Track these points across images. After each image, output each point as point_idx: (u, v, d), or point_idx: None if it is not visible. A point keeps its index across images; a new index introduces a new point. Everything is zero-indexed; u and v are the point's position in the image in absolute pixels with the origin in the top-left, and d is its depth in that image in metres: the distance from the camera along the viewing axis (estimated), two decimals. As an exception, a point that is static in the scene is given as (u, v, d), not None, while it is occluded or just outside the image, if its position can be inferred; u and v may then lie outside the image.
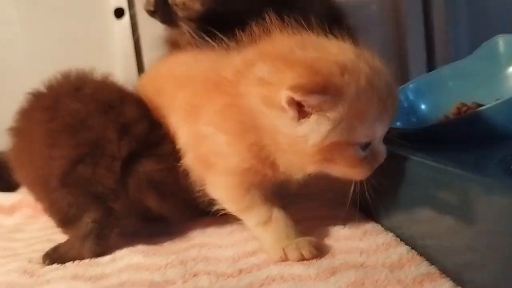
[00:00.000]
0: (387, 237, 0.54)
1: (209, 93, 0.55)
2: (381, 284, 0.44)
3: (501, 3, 1.17)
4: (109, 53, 1.15)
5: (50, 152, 0.57)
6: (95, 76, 0.66)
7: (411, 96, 0.75)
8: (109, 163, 0.57)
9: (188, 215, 0.63)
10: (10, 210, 0.87)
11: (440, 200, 0.46)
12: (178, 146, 0.60)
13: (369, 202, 0.53)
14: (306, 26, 0.54)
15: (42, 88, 0.65)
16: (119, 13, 1.16)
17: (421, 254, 0.49)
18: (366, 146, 0.51)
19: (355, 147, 0.50)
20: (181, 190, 0.59)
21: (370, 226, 0.57)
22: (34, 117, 0.61)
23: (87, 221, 0.57)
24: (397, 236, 0.54)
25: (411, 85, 0.74)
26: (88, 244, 0.58)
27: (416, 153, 0.51)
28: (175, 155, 0.59)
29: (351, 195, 0.52)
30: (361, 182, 0.52)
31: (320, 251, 0.52)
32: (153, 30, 0.88)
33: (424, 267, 0.46)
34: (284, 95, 0.47)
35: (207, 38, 0.71)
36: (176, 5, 0.76)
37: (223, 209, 0.57)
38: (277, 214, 0.55)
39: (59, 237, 0.64)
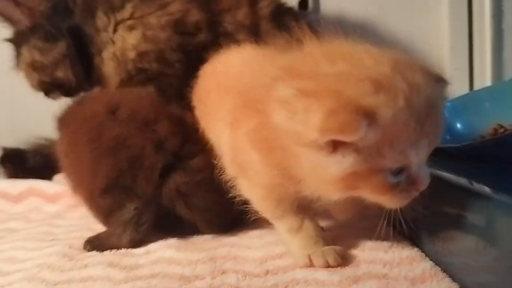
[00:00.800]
0: (412, 252, 0.55)
1: (247, 109, 0.53)
2: (402, 294, 0.45)
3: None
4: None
5: (95, 170, 0.65)
6: (129, 94, 0.74)
7: (447, 114, 0.76)
8: (148, 174, 0.63)
9: (217, 227, 0.66)
10: (53, 198, 0.93)
11: (465, 218, 0.47)
12: (215, 149, 0.63)
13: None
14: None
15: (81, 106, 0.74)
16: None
17: (444, 270, 0.50)
18: (398, 171, 0.45)
19: (384, 174, 0.44)
20: (210, 202, 0.64)
21: (396, 240, 0.58)
22: (80, 140, 0.69)
23: (130, 208, 0.63)
24: (422, 251, 0.55)
25: (448, 104, 0.75)
26: (128, 230, 0.62)
27: (443, 170, 0.52)
28: (204, 169, 0.64)
29: (384, 216, 0.48)
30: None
31: (345, 260, 0.53)
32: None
33: (445, 283, 0.47)
34: (322, 137, 0.42)
35: None
36: None
37: (256, 213, 0.58)
38: (308, 224, 0.55)
39: (99, 226, 0.69)
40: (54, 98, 0.92)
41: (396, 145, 0.43)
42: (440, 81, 0.48)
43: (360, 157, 0.43)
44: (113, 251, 0.62)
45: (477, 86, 1.14)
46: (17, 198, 0.93)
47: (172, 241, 0.64)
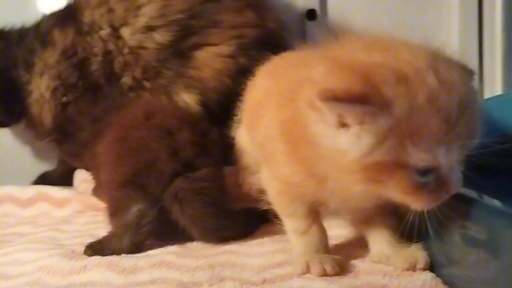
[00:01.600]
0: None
1: (284, 100, 0.53)
2: (399, 306, 0.44)
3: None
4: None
5: (116, 167, 0.72)
6: (164, 102, 0.85)
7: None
8: (159, 177, 0.68)
9: (211, 238, 0.66)
10: (61, 203, 0.94)
11: (467, 230, 0.46)
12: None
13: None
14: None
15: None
16: None
17: (445, 282, 0.49)
18: (426, 171, 0.44)
19: (408, 171, 0.44)
20: (205, 212, 0.66)
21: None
22: (113, 138, 0.76)
23: (134, 210, 0.65)
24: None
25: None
26: (129, 232, 0.64)
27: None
28: (209, 180, 0.68)
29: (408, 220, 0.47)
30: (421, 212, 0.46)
31: (343, 269, 0.53)
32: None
33: (446, 294, 0.46)
34: (319, 96, 0.43)
35: None
36: None
37: (269, 204, 0.58)
38: (315, 230, 0.56)
39: (101, 232, 0.69)
40: None
41: (418, 141, 0.42)
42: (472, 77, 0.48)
43: (380, 145, 0.43)
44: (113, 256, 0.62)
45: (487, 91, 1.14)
46: (27, 203, 0.95)
47: (172, 248, 0.65)
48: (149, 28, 0.91)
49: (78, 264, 0.59)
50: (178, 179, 0.67)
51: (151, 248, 0.65)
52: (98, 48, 0.95)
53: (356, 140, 0.43)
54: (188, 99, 0.92)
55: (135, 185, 0.68)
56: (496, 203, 0.45)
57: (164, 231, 0.67)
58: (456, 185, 0.45)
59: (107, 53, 0.95)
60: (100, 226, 0.76)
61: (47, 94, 0.96)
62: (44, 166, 1.11)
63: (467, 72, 0.47)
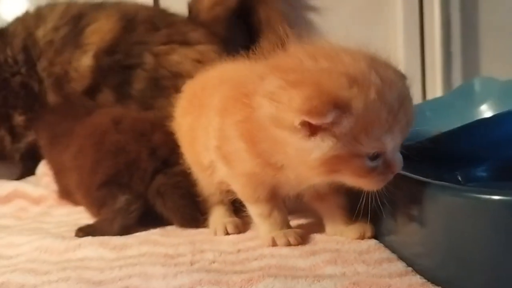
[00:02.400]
0: (362, 234, 0.65)
1: (236, 100, 0.59)
2: (349, 262, 0.55)
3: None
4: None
5: (95, 169, 0.79)
6: (131, 111, 0.93)
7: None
8: (142, 175, 0.76)
9: (188, 224, 0.75)
10: (37, 200, 1.00)
11: (400, 205, 0.57)
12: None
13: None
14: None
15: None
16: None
17: (386, 246, 0.60)
18: (375, 157, 0.51)
19: (361, 159, 0.50)
20: (181, 203, 0.75)
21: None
22: (86, 144, 0.83)
23: (122, 199, 0.74)
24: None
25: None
26: (119, 217, 0.72)
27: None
28: (181, 175, 0.76)
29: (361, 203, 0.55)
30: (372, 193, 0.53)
31: (304, 240, 0.63)
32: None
33: (386, 254, 0.57)
34: (297, 119, 0.49)
35: None
36: None
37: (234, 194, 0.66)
38: (277, 213, 0.64)
39: (85, 222, 0.77)
40: None
41: (371, 132, 0.49)
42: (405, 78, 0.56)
43: (339, 142, 0.49)
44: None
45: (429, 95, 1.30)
46: (5, 200, 1.00)
47: (155, 230, 0.73)
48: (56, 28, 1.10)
49: (72, 243, 0.67)
50: (159, 175, 0.76)
51: (137, 231, 0.73)
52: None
53: (319, 144, 0.50)
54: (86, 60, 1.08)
55: (117, 184, 0.76)
56: (423, 180, 0.55)
57: (146, 219, 0.76)
58: (399, 166, 0.53)
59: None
60: (83, 217, 0.83)
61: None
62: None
63: (398, 75, 0.56)
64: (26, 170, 1.13)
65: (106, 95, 1.09)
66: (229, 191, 0.68)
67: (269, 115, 0.52)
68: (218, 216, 0.73)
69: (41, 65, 1.10)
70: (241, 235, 0.69)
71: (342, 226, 0.65)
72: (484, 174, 0.57)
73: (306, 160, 0.51)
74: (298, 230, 0.64)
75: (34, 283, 0.56)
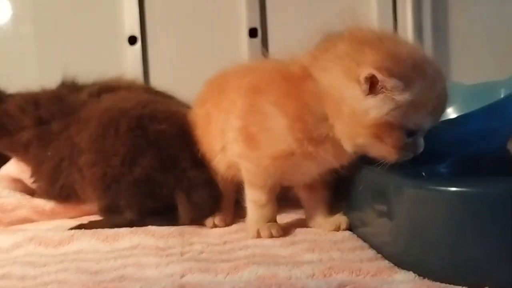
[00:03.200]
0: (338, 227, 0.71)
1: (274, 81, 0.66)
2: (326, 250, 0.61)
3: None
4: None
5: (133, 159, 0.78)
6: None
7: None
8: (178, 172, 0.77)
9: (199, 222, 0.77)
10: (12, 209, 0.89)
11: (369, 194, 0.63)
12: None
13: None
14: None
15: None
16: (132, 40, 1.35)
17: (359, 236, 0.66)
18: (410, 134, 0.59)
19: (402, 132, 0.58)
20: (208, 202, 0.76)
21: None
22: (111, 129, 0.81)
23: (129, 216, 0.77)
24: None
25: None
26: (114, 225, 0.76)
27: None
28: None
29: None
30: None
31: (286, 232, 0.69)
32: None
33: (359, 243, 0.64)
34: (366, 71, 0.56)
35: None
36: None
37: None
38: (271, 205, 0.70)
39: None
40: None
41: (419, 111, 0.58)
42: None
43: (395, 110, 0.57)
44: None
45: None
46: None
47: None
48: None
49: (65, 234, 0.71)
50: (192, 170, 0.77)
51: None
52: None
53: (380, 104, 0.57)
54: None
55: (150, 185, 0.76)
56: (390, 174, 0.61)
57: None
58: (421, 148, 0.61)
59: None
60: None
61: None
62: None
63: (443, 72, 0.62)
64: None
65: None
66: (232, 179, 0.73)
67: (342, 68, 0.59)
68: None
69: None
70: (227, 228, 0.74)
71: (321, 219, 0.71)
72: (446, 170, 0.63)
73: (361, 119, 0.58)
74: (281, 224, 0.70)
75: (34, 274, 0.60)
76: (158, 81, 1.23)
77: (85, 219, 0.82)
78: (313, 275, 0.52)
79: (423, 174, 0.60)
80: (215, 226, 0.75)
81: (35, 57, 1.37)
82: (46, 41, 1.37)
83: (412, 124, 0.58)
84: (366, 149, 0.62)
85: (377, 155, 0.61)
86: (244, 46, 1.36)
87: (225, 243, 0.68)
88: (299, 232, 0.69)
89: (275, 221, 0.71)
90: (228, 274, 0.55)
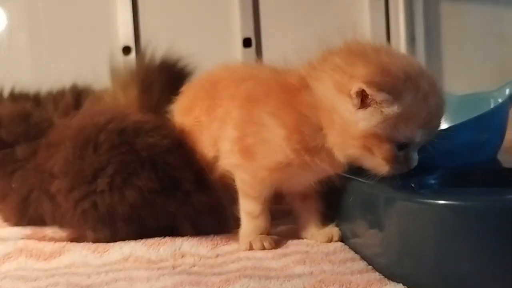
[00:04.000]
0: (330, 238, 0.71)
1: (271, 91, 0.66)
2: (317, 262, 0.61)
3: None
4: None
5: (126, 180, 0.70)
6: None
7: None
8: (180, 195, 0.72)
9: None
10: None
11: (360, 206, 0.63)
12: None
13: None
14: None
15: None
16: (126, 50, 1.36)
17: (350, 248, 0.66)
18: (402, 147, 0.59)
19: (392, 144, 0.58)
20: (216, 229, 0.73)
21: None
22: (89, 146, 0.73)
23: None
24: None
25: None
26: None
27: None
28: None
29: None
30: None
31: (278, 245, 0.69)
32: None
33: (351, 254, 0.64)
34: (356, 86, 0.56)
35: None
36: None
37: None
38: (264, 216, 0.70)
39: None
40: None
41: (409, 125, 0.58)
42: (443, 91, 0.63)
43: (383, 123, 0.57)
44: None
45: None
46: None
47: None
48: None
49: (56, 246, 0.70)
50: (196, 193, 0.71)
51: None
52: None
53: (368, 116, 0.57)
54: None
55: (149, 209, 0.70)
56: (380, 187, 0.61)
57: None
58: (414, 163, 0.61)
59: None
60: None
61: None
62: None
63: (439, 86, 0.62)
64: None
65: None
66: (225, 189, 0.72)
67: (333, 82, 0.60)
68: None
69: None
70: (219, 240, 0.73)
71: (314, 230, 0.71)
72: (435, 181, 0.64)
73: (351, 130, 0.59)
74: (274, 236, 0.70)
75: (24, 288, 0.59)
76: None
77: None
78: (304, 289, 0.52)
79: (412, 185, 0.60)
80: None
81: (30, 66, 1.38)
82: (40, 51, 1.38)
83: (403, 137, 0.59)
84: (358, 160, 0.62)
85: (370, 167, 0.61)
86: (238, 56, 1.37)
87: (217, 256, 0.67)
88: (291, 244, 0.69)
89: (268, 232, 0.71)
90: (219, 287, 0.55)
